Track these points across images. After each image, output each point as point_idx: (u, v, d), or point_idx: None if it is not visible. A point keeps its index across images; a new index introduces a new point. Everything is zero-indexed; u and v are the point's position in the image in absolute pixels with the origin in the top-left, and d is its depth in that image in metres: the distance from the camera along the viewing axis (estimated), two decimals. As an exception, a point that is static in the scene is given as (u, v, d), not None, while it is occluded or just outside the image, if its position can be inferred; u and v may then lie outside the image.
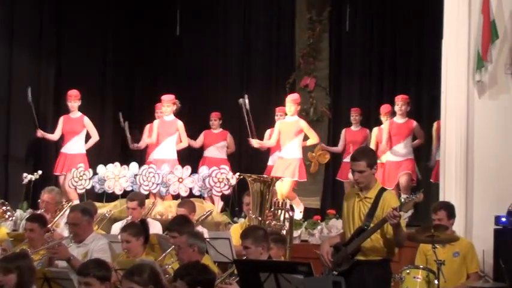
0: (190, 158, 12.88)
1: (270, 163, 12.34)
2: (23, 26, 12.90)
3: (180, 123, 12.03)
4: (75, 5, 13.40)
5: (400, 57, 13.38)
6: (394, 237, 6.58)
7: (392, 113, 11.84)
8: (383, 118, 12.01)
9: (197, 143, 12.80)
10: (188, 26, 14.57)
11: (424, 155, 12.17)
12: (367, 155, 6.82)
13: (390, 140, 11.65)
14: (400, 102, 11.61)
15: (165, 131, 12.00)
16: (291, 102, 11.65)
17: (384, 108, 12.06)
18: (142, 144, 12.59)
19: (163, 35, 14.61)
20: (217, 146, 12.76)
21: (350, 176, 11.96)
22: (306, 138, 11.81)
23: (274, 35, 14.48)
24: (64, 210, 9.85)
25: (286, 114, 12.06)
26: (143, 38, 14.33)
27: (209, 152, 12.74)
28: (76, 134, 12.10)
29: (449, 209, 8.30)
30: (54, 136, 12.34)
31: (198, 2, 14.63)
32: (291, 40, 14.39)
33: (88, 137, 12.28)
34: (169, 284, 5.83)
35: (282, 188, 11.25)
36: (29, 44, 13.05)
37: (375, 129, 12.09)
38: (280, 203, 9.07)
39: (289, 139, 11.52)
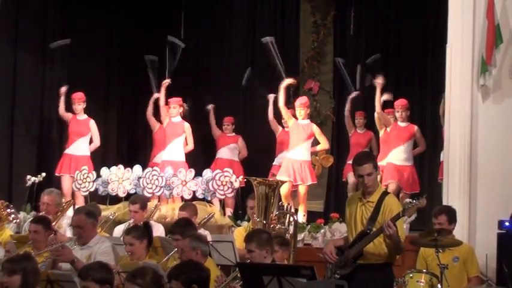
0: (199, 160, 12.89)
1: (275, 163, 12.30)
2: (28, 28, 12.90)
3: (187, 125, 12.07)
4: (79, 8, 13.42)
5: (405, 61, 13.36)
6: (392, 246, 6.57)
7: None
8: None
9: (215, 133, 12.92)
10: (192, 29, 14.58)
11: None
12: (371, 158, 6.88)
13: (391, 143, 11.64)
14: (400, 109, 11.59)
15: (172, 132, 12.03)
16: (301, 106, 11.53)
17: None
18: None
19: (167, 38, 14.60)
20: (229, 147, 12.78)
21: (350, 179, 11.95)
22: (314, 143, 11.73)
23: (279, 38, 14.42)
24: (65, 211, 9.87)
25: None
26: (148, 40, 14.33)
27: (221, 153, 12.78)
28: (82, 135, 12.07)
29: (450, 214, 8.27)
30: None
31: (202, 5, 14.64)
32: (296, 43, 14.40)
33: (90, 140, 12.25)
34: None
35: (301, 192, 11.35)
36: (34, 46, 13.05)
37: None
38: (285, 206, 9.06)
39: (299, 142, 11.41)
